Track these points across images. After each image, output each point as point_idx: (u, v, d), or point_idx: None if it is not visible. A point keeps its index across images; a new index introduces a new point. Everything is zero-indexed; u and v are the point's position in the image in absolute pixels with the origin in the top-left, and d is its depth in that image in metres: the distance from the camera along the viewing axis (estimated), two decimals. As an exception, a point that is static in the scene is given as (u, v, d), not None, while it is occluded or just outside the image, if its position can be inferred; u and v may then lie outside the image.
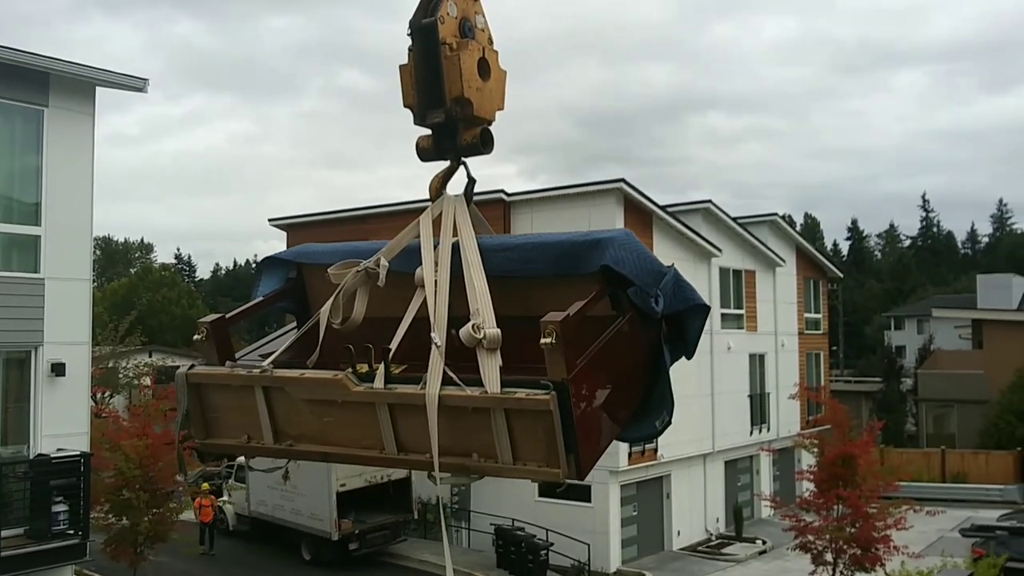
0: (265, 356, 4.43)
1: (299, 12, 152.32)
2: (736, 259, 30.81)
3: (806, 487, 22.70)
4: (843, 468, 19.08)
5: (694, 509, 28.41)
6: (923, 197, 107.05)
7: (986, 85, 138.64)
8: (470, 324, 3.70)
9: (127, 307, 39.42)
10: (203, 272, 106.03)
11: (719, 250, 28.56)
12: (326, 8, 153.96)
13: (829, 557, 18.93)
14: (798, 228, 67.37)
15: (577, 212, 24.52)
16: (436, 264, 4.10)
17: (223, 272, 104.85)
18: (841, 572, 18.83)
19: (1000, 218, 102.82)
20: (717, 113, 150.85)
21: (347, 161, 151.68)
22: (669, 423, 4.38)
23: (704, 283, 27.75)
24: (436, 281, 4.04)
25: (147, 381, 37.58)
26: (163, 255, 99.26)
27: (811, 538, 19.19)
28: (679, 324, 4.31)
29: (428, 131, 4.48)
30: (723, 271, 30.03)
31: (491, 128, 4.45)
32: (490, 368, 3.63)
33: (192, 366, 4.45)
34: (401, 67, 4.39)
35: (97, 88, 15.27)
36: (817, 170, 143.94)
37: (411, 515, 24.86)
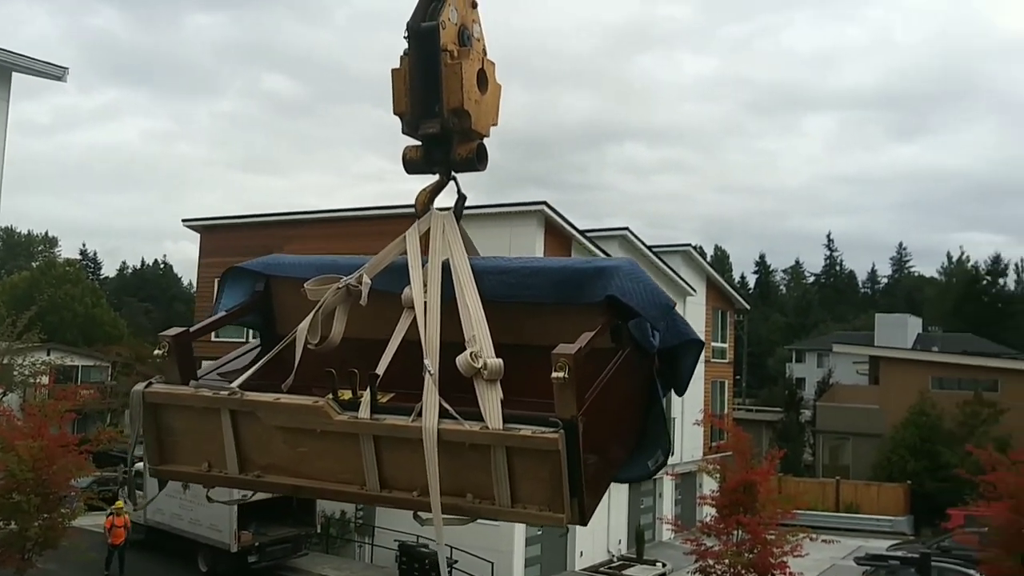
0: (227, 375, 4.12)
1: (225, 10, 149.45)
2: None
3: (707, 512, 23.18)
4: (744, 495, 19.58)
5: (597, 530, 28.68)
6: (828, 237, 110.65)
7: (891, 134, 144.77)
8: (468, 352, 3.44)
9: (27, 302, 37.81)
10: (108, 270, 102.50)
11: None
12: (254, 9, 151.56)
13: (727, 582, 19.36)
14: (709, 259, 69.00)
15: (498, 232, 24.62)
16: (425, 284, 3.82)
17: (129, 271, 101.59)
18: (738, 598, 19.28)
19: (899, 260, 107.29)
20: (635, 144, 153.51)
21: (265, 165, 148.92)
22: (664, 463, 4.22)
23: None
24: (426, 303, 3.74)
25: (44, 380, 36.12)
26: (68, 250, 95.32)
27: (711, 562, 19.60)
28: (671, 359, 4.12)
29: (415, 141, 4.22)
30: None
31: (485, 143, 4.24)
32: (490, 401, 3.36)
33: (150, 383, 4.04)
34: (394, 71, 4.13)
35: (13, 73, 14.77)
36: (728, 205, 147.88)
37: (314, 529, 24.43)
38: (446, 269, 3.88)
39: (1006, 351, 56.11)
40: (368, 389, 3.55)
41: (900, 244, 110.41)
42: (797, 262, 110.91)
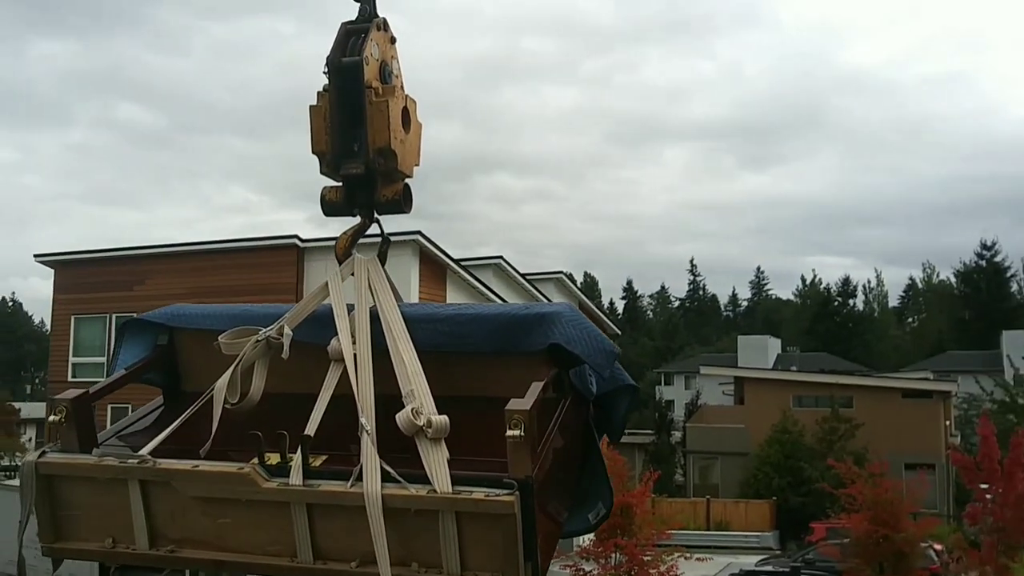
0: (129, 439, 3.83)
1: (72, 38, 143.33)
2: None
3: (585, 537, 23.42)
4: (621, 518, 19.88)
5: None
6: (691, 262, 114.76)
7: (744, 162, 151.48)
8: (409, 409, 3.23)
9: None
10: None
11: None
12: (105, 36, 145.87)
13: (607, 605, 19.57)
14: (579, 286, 70.34)
15: (371, 262, 24.42)
16: (353, 335, 3.59)
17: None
18: (618, 619, 19.51)
19: (758, 284, 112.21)
20: (504, 174, 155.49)
21: (122, 197, 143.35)
22: (606, 516, 4.05)
23: (493, 336, 28.31)
24: (355, 355, 3.51)
25: None
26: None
27: (590, 587, 19.79)
28: (606, 406, 3.98)
29: (331, 181, 4.02)
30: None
31: (410, 184, 4.08)
32: (436, 462, 3.15)
33: (43, 453, 3.62)
34: (312, 108, 3.94)
35: None
36: (593, 232, 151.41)
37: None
38: (374, 318, 3.66)
39: (858, 368, 59.39)
40: (299, 452, 3.27)
41: (758, 268, 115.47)
42: (663, 287, 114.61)
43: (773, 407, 40.12)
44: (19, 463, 43.19)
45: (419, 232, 24.78)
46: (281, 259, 24.82)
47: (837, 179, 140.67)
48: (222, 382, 3.56)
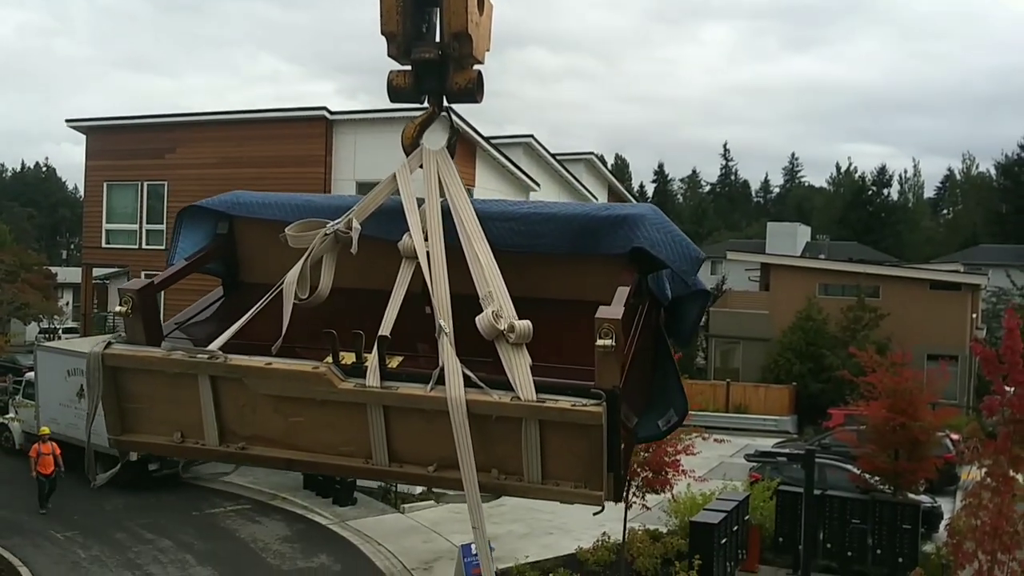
0: (191, 331, 3.70)
1: None
2: (552, 194, 31.57)
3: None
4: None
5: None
6: (724, 147, 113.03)
7: (786, 45, 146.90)
8: (489, 312, 3.09)
9: None
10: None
11: (537, 185, 29.15)
12: None
13: (623, 480, 20.13)
14: (610, 168, 69.58)
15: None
16: (424, 231, 3.41)
17: (9, 175, 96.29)
18: (633, 494, 20.12)
19: (791, 171, 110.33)
20: (539, 49, 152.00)
21: (151, 64, 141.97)
22: (679, 423, 3.89)
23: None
24: (428, 252, 3.34)
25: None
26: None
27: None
28: (676, 311, 3.83)
29: (401, 65, 3.74)
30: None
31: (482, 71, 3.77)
32: (519, 368, 3.02)
33: (109, 344, 3.50)
34: None
35: None
36: (629, 114, 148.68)
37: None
38: (446, 213, 3.48)
39: (888, 259, 58.88)
40: (375, 352, 3.15)
41: (792, 155, 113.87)
42: (694, 171, 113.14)
43: (799, 294, 40.10)
44: (57, 325, 44.43)
45: (449, 107, 24.45)
46: (310, 131, 24.71)
47: (882, 64, 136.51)
48: (291, 276, 3.40)
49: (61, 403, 22.66)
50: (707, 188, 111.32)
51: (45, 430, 21.48)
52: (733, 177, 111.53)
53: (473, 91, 3.77)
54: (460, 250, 3.36)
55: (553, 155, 31.56)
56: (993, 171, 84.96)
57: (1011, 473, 12.00)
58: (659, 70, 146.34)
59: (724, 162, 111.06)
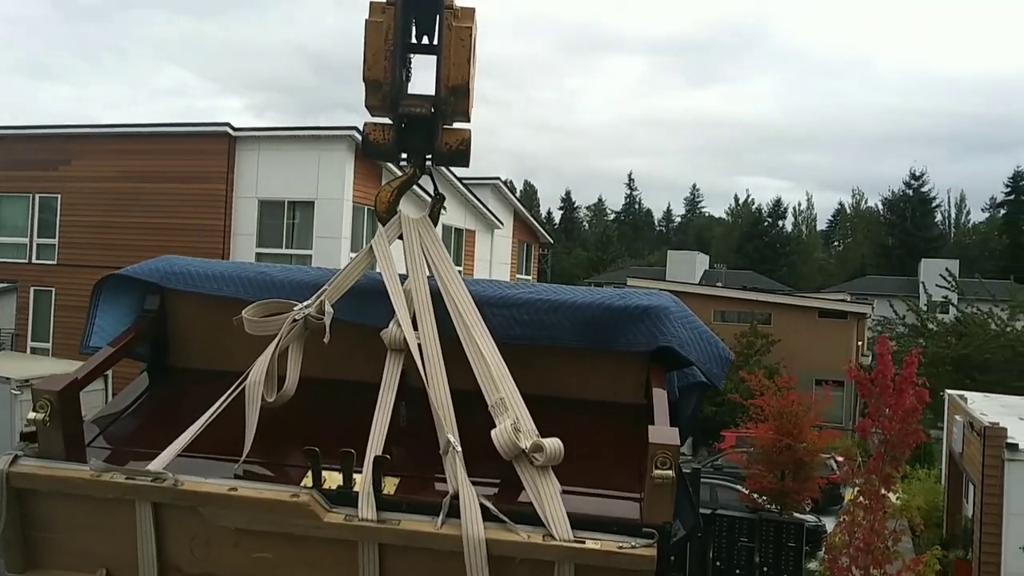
0: (111, 434, 3.04)
1: None
2: (459, 218, 31.83)
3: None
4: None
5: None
6: (629, 176, 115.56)
7: (689, 79, 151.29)
8: (508, 426, 2.59)
9: None
10: None
11: (445, 208, 29.25)
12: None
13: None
14: (518, 194, 70.34)
15: (306, 155, 24.13)
16: (412, 316, 2.91)
17: None
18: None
19: (693, 201, 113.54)
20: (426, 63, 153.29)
21: (49, 72, 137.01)
22: (686, 538, 3.31)
23: (426, 238, 28.47)
24: (420, 345, 2.83)
25: None
26: None
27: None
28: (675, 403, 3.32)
29: (381, 118, 3.31)
30: (446, 229, 30.91)
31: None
32: (549, 498, 2.49)
33: (15, 458, 2.80)
34: (369, 23, 3.16)
35: None
36: (537, 141, 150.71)
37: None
38: (434, 295, 3.02)
39: (780, 287, 61.00)
40: (366, 474, 2.57)
41: (694, 186, 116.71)
42: (600, 199, 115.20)
43: (696, 321, 41.10)
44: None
45: (355, 128, 24.47)
46: (212, 147, 24.32)
47: (779, 101, 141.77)
48: (257, 374, 2.80)
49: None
50: (612, 216, 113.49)
51: None
52: (637, 206, 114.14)
53: (465, 153, 3.39)
54: (455, 339, 2.89)
55: (460, 179, 31.82)
56: (880, 206, 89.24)
57: (882, 491, 12.68)
58: (566, 99, 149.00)
59: (629, 191, 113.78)
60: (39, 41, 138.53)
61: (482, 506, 2.49)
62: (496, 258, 35.35)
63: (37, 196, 26.95)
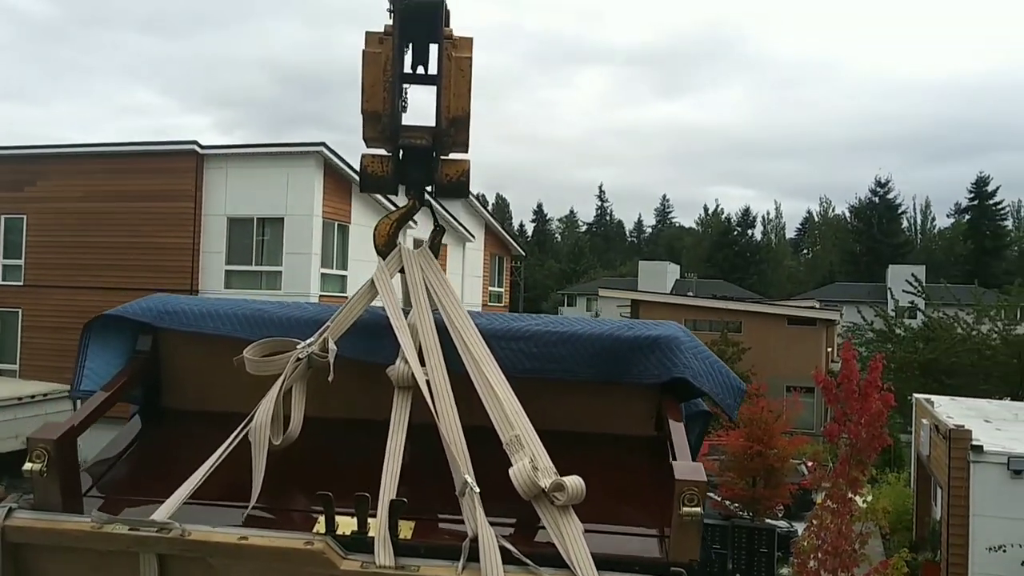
0: (107, 483, 2.93)
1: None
2: (427, 229, 31.88)
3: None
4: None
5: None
6: (600, 188, 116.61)
7: (657, 90, 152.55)
8: (526, 464, 2.53)
9: None
10: None
11: (415, 222, 29.27)
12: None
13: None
14: (490, 207, 70.55)
15: (275, 172, 24.10)
16: (419, 351, 2.86)
17: None
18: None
19: (663, 212, 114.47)
20: (417, 88, 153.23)
21: (14, 92, 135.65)
22: None
23: (397, 252, 28.44)
24: (429, 382, 2.76)
25: None
26: None
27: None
28: None
29: (377, 148, 3.26)
30: (417, 242, 30.77)
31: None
32: (572, 539, 2.42)
33: (9, 511, 2.62)
34: (367, 54, 3.11)
35: None
36: (508, 154, 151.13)
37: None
38: (439, 329, 2.97)
39: (750, 295, 61.54)
40: (381, 518, 2.49)
41: (664, 196, 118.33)
42: (572, 211, 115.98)
43: (668, 330, 41.37)
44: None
45: (323, 144, 24.51)
46: (180, 165, 24.22)
47: (747, 110, 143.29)
48: (263, 416, 2.73)
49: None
50: (584, 227, 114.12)
51: None
52: (608, 217, 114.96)
53: (465, 184, 3.37)
54: (463, 374, 2.84)
55: (429, 192, 31.88)
56: (848, 213, 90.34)
57: (849, 495, 12.86)
58: (537, 111, 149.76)
59: (600, 203, 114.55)
60: (2, 62, 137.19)
61: (503, 548, 2.43)
62: (468, 271, 35.42)
63: (3, 217, 26.70)
